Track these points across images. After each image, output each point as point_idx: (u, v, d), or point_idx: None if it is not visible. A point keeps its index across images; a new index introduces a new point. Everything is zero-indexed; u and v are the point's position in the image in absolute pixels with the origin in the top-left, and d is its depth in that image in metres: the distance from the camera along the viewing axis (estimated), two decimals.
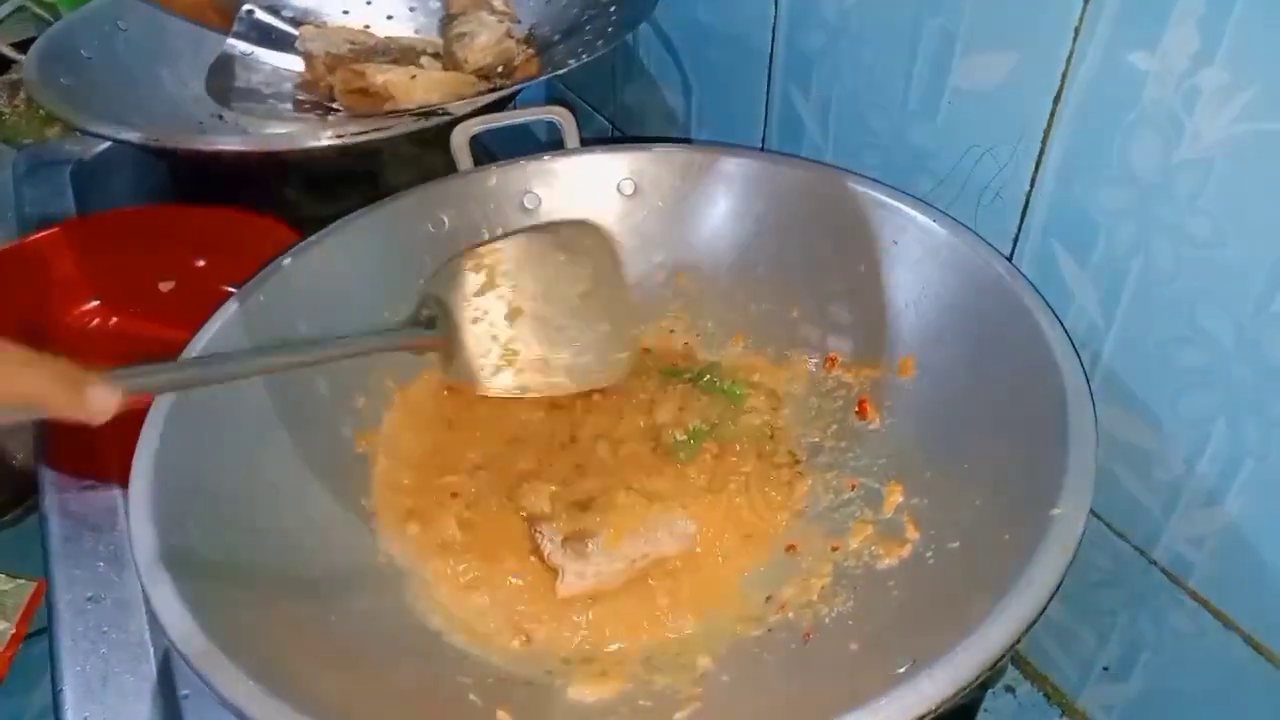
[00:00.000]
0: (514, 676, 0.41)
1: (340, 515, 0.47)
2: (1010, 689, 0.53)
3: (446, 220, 0.56)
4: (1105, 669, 0.49)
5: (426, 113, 0.61)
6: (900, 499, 0.45)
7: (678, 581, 0.45)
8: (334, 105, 0.73)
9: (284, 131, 0.73)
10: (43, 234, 0.68)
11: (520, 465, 0.50)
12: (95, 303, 0.69)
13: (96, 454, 0.56)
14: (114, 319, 0.69)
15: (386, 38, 0.80)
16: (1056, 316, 0.42)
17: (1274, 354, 0.37)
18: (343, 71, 0.72)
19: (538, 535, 0.46)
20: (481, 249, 0.51)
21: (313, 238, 0.52)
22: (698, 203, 0.57)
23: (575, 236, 0.53)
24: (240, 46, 0.75)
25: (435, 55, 0.76)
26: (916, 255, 0.49)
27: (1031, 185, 0.46)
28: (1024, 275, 0.45)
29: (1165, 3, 0.37)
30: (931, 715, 0.30)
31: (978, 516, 0.40)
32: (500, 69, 0.74)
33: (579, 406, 0.52)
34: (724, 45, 0.67)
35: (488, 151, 0.75)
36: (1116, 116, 0.40)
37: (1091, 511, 0.35)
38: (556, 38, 0.75)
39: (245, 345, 0.47)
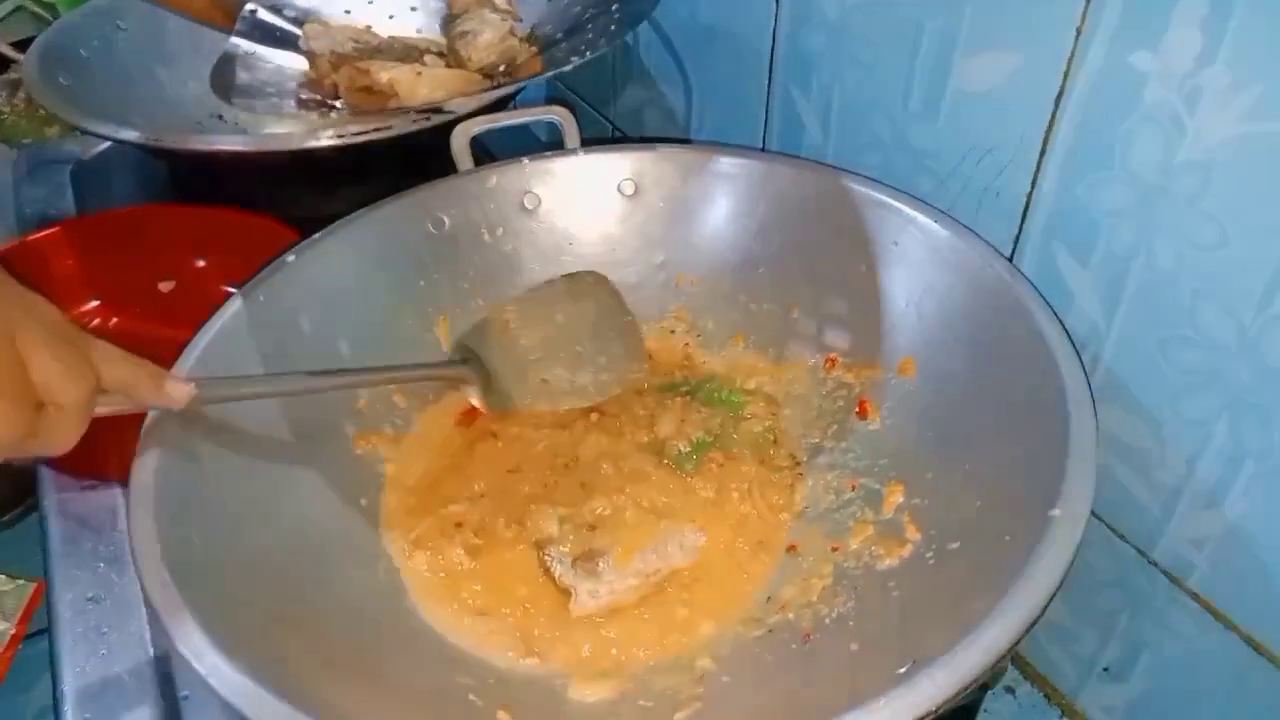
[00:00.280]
0: (515, 677, 0.42)
1: (343, 517, 0.47)
2: (1010, 690, 0.53)
3: (447, 220, 0.56)
4: (1105, 670, 0.49)
5: (430, 110, 0.61)
6: (900, 499, 0.45)
7: (693, 592, 0.45)
8: (337, 103, 0.73)
9: (283, 131, 0.73)
10: (43, 234, 0.68)
11: (524, 490, 0.50)
12: (95, 303, 0.69)
13: (96, 454, 0.56)
14: (114, 319, 0.69)
15: (389, 37, 0.80)
16: (1057, 317, 0.42)
17: (1275, 355, 0.37)
18: (347, 69, 0.72)
19: (547, 558, 0.46)
20: (495, 311, 0.56)
21: (313, 237, 0.52)
22: (698, 203, 0.57)
23: (574, 281, 0.57)
24: (243, 45, 0.75)
25: (439, 54, 0.76)
26: (917, 256, 0.49)
27: (1032, 186, 0.46)
28: (1025, 276, 0.45)
29: (1167, 3, 0.37)
30: (932, 715, 0.30)
31: (978, 517, 0.40)
32: (503, 67, 0.74)
33: (579, 426, 0.52)
34: (725, 45, 0.67)
35: (488, 152, 0.75)
36: (1118, 117, 0.40)
37: (1092, 512, 0.35)
38: (559, 35, 0.75)
39: (247, 345, 0.47)
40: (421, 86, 0.67)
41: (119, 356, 0.38)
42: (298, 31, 0.76)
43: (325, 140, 0.61)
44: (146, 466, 0.39)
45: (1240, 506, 0.40)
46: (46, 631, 0.51)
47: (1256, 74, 0.35)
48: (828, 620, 0.41)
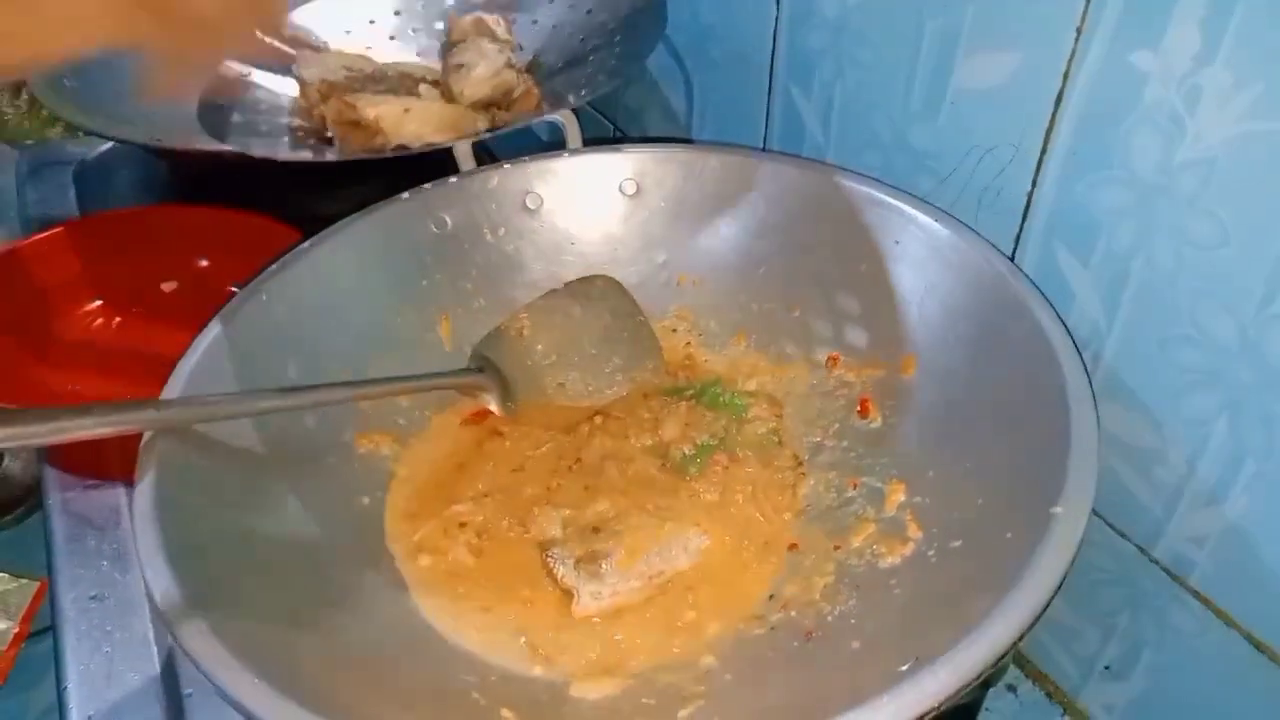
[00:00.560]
0: (518, 676, 0.42)
1: (347, 516, 0.47)
2: (1011, 688, 0.53)
3: (449, 220, 0.56)
4: (1107, 668, 0.50)
5: (420, 154, 0.60)
6: (902, 498, 0.45)
7: (697, 594, 0.45)
8: (328, 135, 0.70)
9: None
10: (45, 234, 0.68)
11: (528, 491, 0.50)
12: (98, 303, 0.69)
13: (99, 453, 0.56)
14: (116, 319, 0.69)
15: (385, 64, 0.77)
16: (1058, 315, 0.42)
17: (1275, 353, 0.37)
18: (335, 101, 0.69)
19: (550, 559, 0.46)
20: (509, 320, 0.56)
21: (315, 238, 0.53)
22: (700, 203, 0.57)
23: (586, 285, 0.57)
24: (237, 67, 0.74)
25: (434, 83, 0.73)
26: (918, 255, 0.49)
27: (1033, 185, 0.46)
28: (1026, 275, 0.45)
29: (1167, 3, 0.37)
30: (934, 712, 0.31)
31: (980, 515, 0.40)
32: (499, 101, 0.72)
33: (584, 429, 0.53)
34: (725, 45, 0.68)
35: (489, 152, 0.75)
36: (1118, 116, 0.40)
37: (1093, 511, 0.35)
38: (560, 65, 0.74)
39: (249, 346, 0.47)
40: (409, 124, 0.65)
41: None
42: (293, 52, 0.74)
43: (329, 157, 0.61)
44: (150, 466, 0.39)
45: (1241, 505, 0.40)
46: (50, 630, 0.51)
47: (1256, 73, 0.35)
48: (830, 618, 0.41)
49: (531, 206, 0.58)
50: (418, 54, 0.80)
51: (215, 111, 0.68)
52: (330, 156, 0.66)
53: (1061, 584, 0.33)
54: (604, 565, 0.45)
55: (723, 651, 0.42)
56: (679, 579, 0.46)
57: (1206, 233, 0.38)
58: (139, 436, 0.41)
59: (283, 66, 0.73)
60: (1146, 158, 0.40)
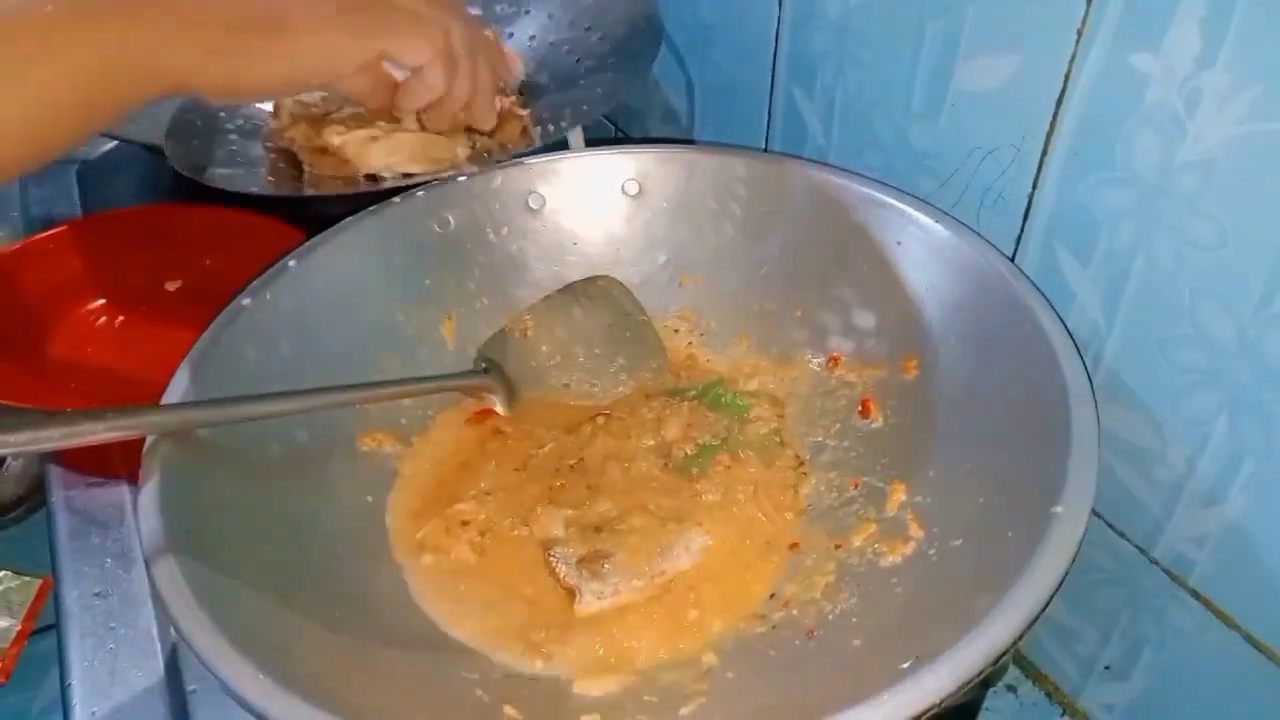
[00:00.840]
0: (520, 673, 0.42)
1: (350, 514, 0.48)
2: (1012, 688, 0.54)
3: (452, 220, 0.57)
4: (1106, 668, 0.50)
5: (397, 188, 0.57)
6: (903, 497, 0.45)
7: (700, 593, 0.45)
8: (301, 160, 0.68)
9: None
10: (49, 233, 0.68)
11: (531, 490, 0.50)
12: (101, 301, 0.70)
13: (103, 451, 0.56)
14: (120, 318, 0.69)
15: None
16: (1058, 316, 0.43)
17: (1274, 354, 0.37)
18: (303, 126, 0.67)
19: (552, 558, 0.46)
20: (514, 321, 0.56)
21: (319, 237, 0.53)
22: (701, 203, 0.58)
23: (589, 286, 0.58)
24: None
25: None
26: (919, 256, 0.50)
27: (1034, 186, 0.46)
28: (1026, 275, 0.45)
29: (1167, 5, 0.37)
30: (935, 710, 0.31)
31: (980, 514, 0.40)
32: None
33: (586, 430, 0.53)
34: (727, 46, 0.68)
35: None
36: (1119, 118, 0.40)
37: (1092, 511, 0.35)
38: (554, 86, 0.71)
39: (251, 345, 0.47)
40: (375, 154, 0.62)
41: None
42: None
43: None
44: (154, 466, 0.40)
45: (1240, 504, 0.41)
46: (53, 627, 0.51)
47: (1256, 75, 0.35)
48: (831, 617, 0.41)
49: (534, 206, 0.58)
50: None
51: (185, 134, 0.67)
52: (308, 191, 0.64)
53: (1062, 583, 0.33)
54: (606, 565, 0.45)
55: (724, 650, 0.42)
56: (681, 578, 0.46)
57: (1206, 233, 0.38)
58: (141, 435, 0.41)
59: None
60: (1147, 159, 0.40)
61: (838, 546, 0.45)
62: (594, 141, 0.60)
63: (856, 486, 0.48)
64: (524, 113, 0.66)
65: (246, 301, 0.48)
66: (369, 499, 0.49)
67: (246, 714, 0.32)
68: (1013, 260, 0.48)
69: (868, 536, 0.44)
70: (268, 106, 0.72)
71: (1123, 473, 0.45)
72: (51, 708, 0.48)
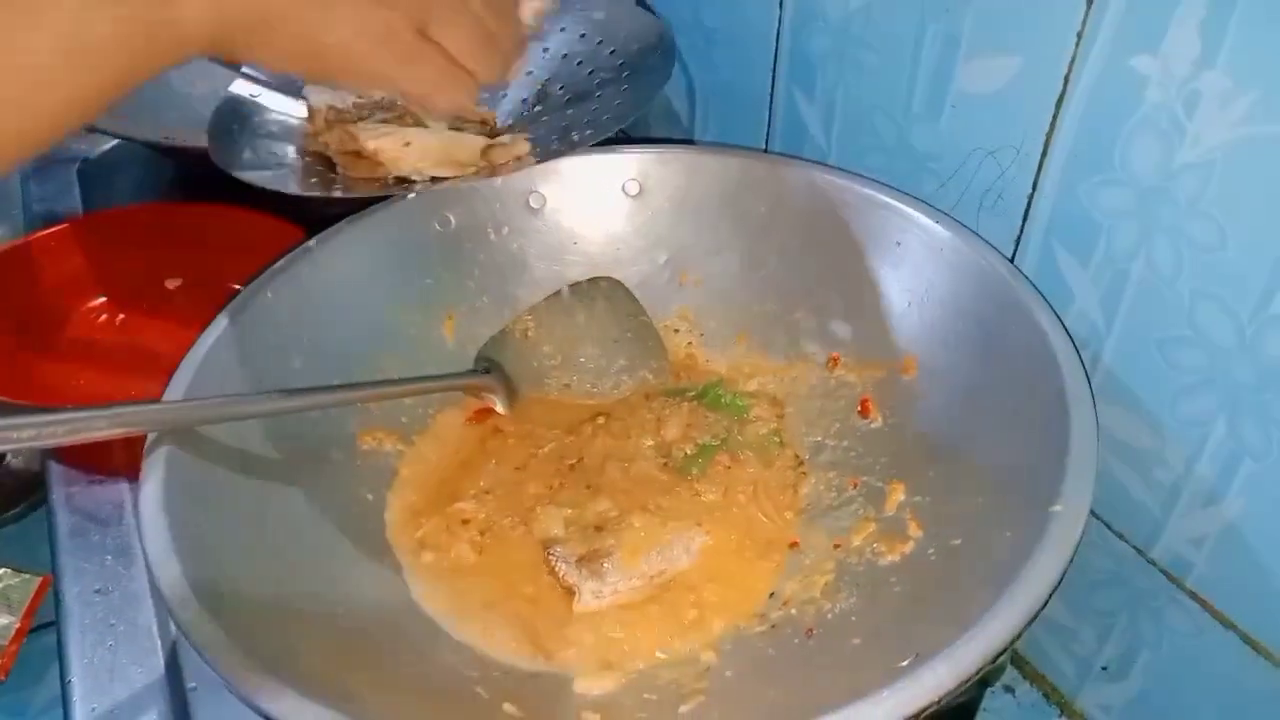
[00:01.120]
0: (520, 671, 0.42)
1: (351, 512, 0.48)
2: (1009, 689, 0.54)
3: (453, 219, 0.57)
4: (1104, 669, 0.50)
5: (421, 187, 0.60)
6: (902, 497, 0.45)
7: (700, 593, 0.45)
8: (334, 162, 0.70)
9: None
10: (49, 231, 0.68)
11: (531, 489, 0.50)
12: (102, 300, 0.70)
13: (104, 448, 0.56)
14: (121, 316, 0.69)
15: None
16: (1058, 316, 0.43)
17: (1273, 355, 0.37)
18: (338, 130, 0.66)
19: (551, 557, 0.46)
20: (515, 321, 0.57)
21: (320, 236, 0.53)
22: (702, 203, 0.58)
23: (590, 286, 0.58)
24: (248, 88, 0.74)
25: None
26: (919, 256, 0.50)
27: (1034, 188, 0.46)
28: (1026, 276, 0.46)
29: (1167, 8, 0.37)
30: (933, 708, 0.31)
31: (979, 514, 0.40)
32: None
33: (586, 429, 0.53)
34: (728, 48, 0.68)
35: None
36: (1118, 120, 0.41)
37: (1091, 511, 0.36)
38: (567, 99, 0.73)
39: (253, 344, 0.47)
40: (408, 158, 0.62)
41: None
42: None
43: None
44: (156, 464, 0.40)
45: (1238, 505, 0.41)
46: (53, 625, 0.51)
47: (1254, 78, 0.35)
48: (830, 616, 0.41)
49: (535, 206, 0.58)
50: None
51: (225, 135, 0.68)
52: (337, 192, 0.65)
53: (1060, 581, 0.33)
54: (605, 564, 0.45)
55: (723, 648, 0.42)
56: (681, 578, 0.46)
57: (1205, 235, 0.38)
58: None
59: (294, 89, 0.73)
60: (1146, 160, 0.40)
61: (837, 546, 0.45)
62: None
63: (856, 486, 0.48)
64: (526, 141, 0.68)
65: (247, 300, 0.48)
66: (369, 497, 0.49)
67: (247, 711, 0.32)
68: (1012, 261, 0.48)
69: (867, 536, 0.45)
70: (301, 112, 0.73)
71: (1121, 473, 0.45)
72: (52, 705, 0.48)
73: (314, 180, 0.66)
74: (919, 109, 0.52)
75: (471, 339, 0.56)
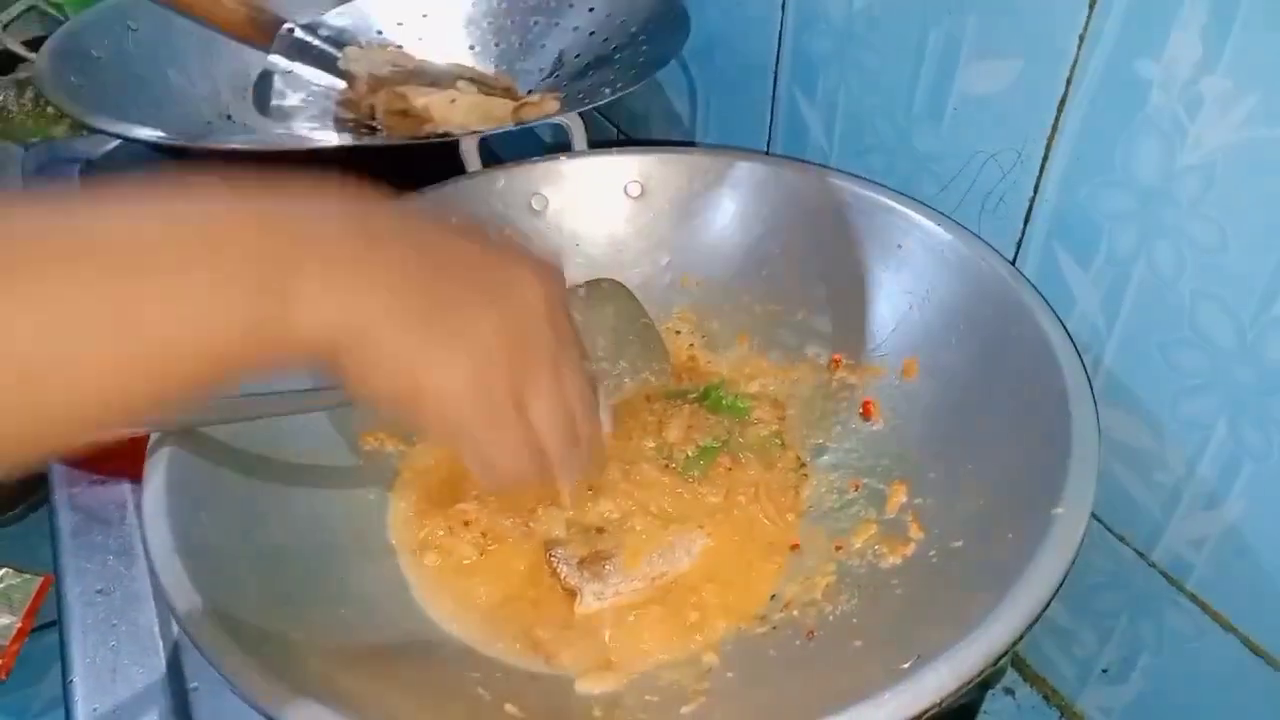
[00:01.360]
0: (521, 672, 0.42)
1: (352, 513, 0.48)
2: (1010, 691, 0.54)
3: (455, 221, 0.57)
4: (1104, 671, 0.50)
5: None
6: (904, 499, 0.45)
7: (702, 595, 0.45)
8: (374, 124, 0.74)
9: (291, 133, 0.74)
10: None
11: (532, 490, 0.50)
12: None
13: (106, 448, 0.56)
14: None
15: (422, 60, 0.81)
16: (1059, 319, 0.43)
17: (1274, 357, 0.37)
18: (385, 93, 0.73)
19: (553, 559, 0.46)
20: None
21: None
22: (704, 205, 0.58)
23: (592, 289, 0.57)
24: (281, 63, 0.77)
25: (470, 80, 0.77)
26: (920, 258, 0.50)
27: (1035, 190, 0.46)
28: (1027, 278, 0.46)
29: (1169, 11, 0.37)
30: (934, 710, 0.31)
31: (981, 516, 0.41)
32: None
33: None
34: (730, 50, 0.68)
35: (494, 155, 0.75)
36: (1120, 123, 0.41)
37: (1091, 513, 0.36)
38: (586, 64, 0.75)
39: None
40: (456, 113, 0.69)
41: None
42: (334, 52, 0.77)
43: (335, 141, 0.62)
44: (158, 465, 0.40)
45: (1239, 508, 0.41)
46: (54, 624, 0.51)
47: (1255, 81, 0.35)
48: (831, 618, 0.41)
49: (537, 208, 0.58)
50: (444, 54, 0.82)
51: (265, 93, 0.72)
52: (379, 141, 0.70)
53: (1062, 583, 0.33)
54: (607, 566, 0.45)
55: (725, 650, 0.42)
56: (682, 579, 0.46)
57: (1206, 237, 0.38)
58: (145, 432, 0.41)
59: (326, 61, 0.76)
60: (1148, 163, 0.40)
61: (838, 548, 0.45)
62: (597, 143, 0.60)
63: (857, 488, 0.48)
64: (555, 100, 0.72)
65: None
66: (371, 497, 0.49)
67: (249, 711, 0.32)
68: (1014, 263, 0.48)
69: (868, 538, 0.45)
70: (337, 83, 0.78)
71: (1122, 475, 0.45)
72: (53, 704, 0.48)
73: (347, 132, 0.73)
74: (921, 111, 0.52)
75: None
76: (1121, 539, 0.46)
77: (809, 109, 0.61)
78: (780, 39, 0.61)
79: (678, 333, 0.59)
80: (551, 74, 0.77)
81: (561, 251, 0.59)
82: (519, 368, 0.34)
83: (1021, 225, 0.47)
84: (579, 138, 0.60)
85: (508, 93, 0.77)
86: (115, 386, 0.27)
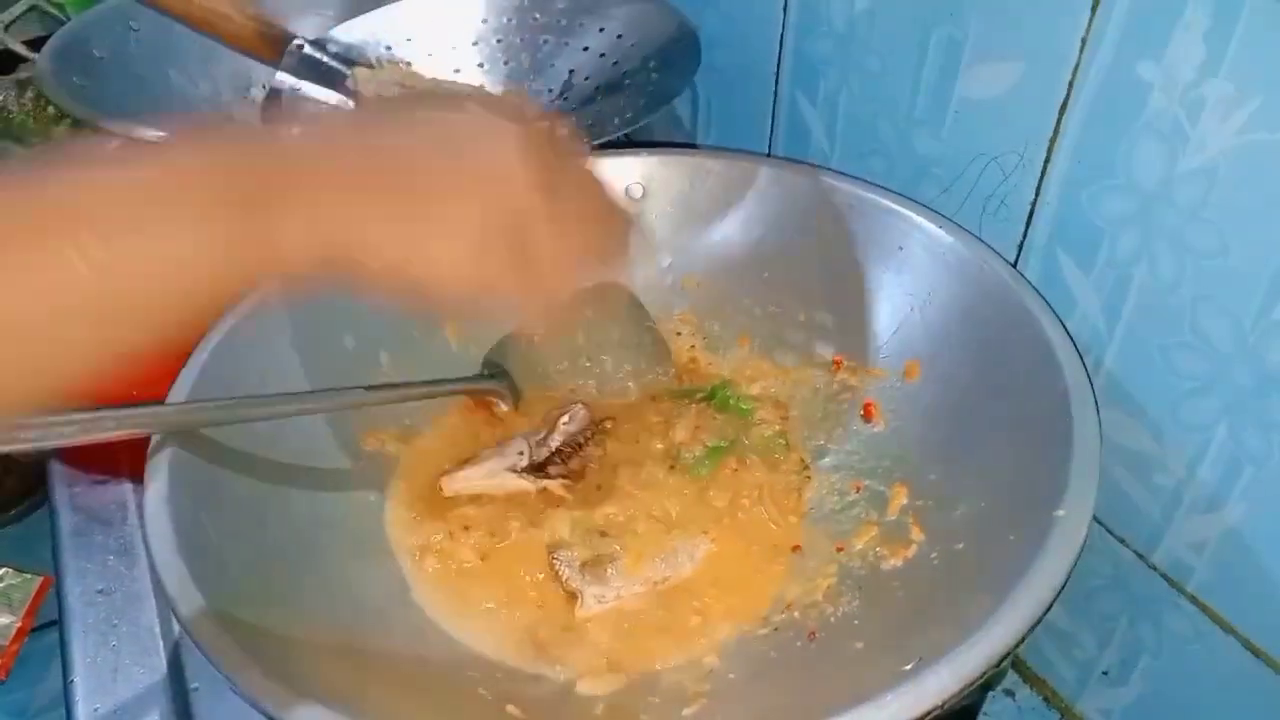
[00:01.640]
0: (522, 673, 0.42)
1: (353, 514, 0.48)
2: (1010, 693, 0.54)
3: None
4: (1105, 673, 0.50)
5: None
6: (905, 501, 0.45)
7: (704, 599, 0.45)
8: None
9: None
10: None
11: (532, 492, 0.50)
12: None
13: (107, 448, 0.56)
14: None
15: (433, 79, 0.80)
16: (1060, 321, 0.43)
17: (1275, 360, 0.37)
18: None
19: (555, 561, 0.46)
20: (522, 326, 0.56)
21: None
22: (705, 207, 0.58)
23: (595, 292, 0.57)
24: (289, 81, 0.76)
25: (479, 102, 0.77)
26: (922, 261, 0.50)
27: (1037, 193, 0.46)
28: (1028, 281, 0.46)
29: (1171, 15, 0.37)
30: (935, 712, 0.31)
31: (982, 518, 0.41)
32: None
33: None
34: (732, 52, 0.68)
35: None
36: (1122, 126, 0.41)
37: (1092, 516, 0.36)
38: (595, 87, 0.75)
39: (259, 339, 0.47)
40: None
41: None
42: (342, 69, 0.75)
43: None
44: (160, 466, 0.40)
45: (1239, 511, 0.41)
46: (54, 624, 0.51)
47: (1257, 85, 0.35)
48: (832, 619, 0.41)
49: None
50: (455, 71, 0.82)
51: (274, 110, 0.71)
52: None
53: (1064, 585, 0.33)
54: (609, 569, 0.45)
55: (726, 651, 0.42)
56: (685, 583, 0.46)
57: (1207, 241, 0.39)
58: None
59: (335, 80, 0.76)
60: (1149, 167, 0.40)
61: (840, 549, 0.45)
62: (599, 145, 0.60)
63: (859, 490, 0.48)
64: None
65: (251, 301, 0.48)
66: (372, 498, 0.49)
67: (249, 711, 0.32)
68: (1015, 266, 0.48)
69: (870, 540, 0.45)
70: (345, 103, 0.77)
71: (1122, 478, 0.45)
72: (54, 704, 0.48)
73: None
74: (922, 114, 0.52)
75: (474, 340, 0.56)
76: (1122, 541, 0.46)
77: (810, 111, 0.61)
78: (782, 41, 0.61)
79: (679, 334, 0.59)
80: (561, 95, 0.76)
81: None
82: (514, 233, 0.34)
83: (1023, 228, 0.47)
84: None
85: None
86: (105, 337, 0.30)
